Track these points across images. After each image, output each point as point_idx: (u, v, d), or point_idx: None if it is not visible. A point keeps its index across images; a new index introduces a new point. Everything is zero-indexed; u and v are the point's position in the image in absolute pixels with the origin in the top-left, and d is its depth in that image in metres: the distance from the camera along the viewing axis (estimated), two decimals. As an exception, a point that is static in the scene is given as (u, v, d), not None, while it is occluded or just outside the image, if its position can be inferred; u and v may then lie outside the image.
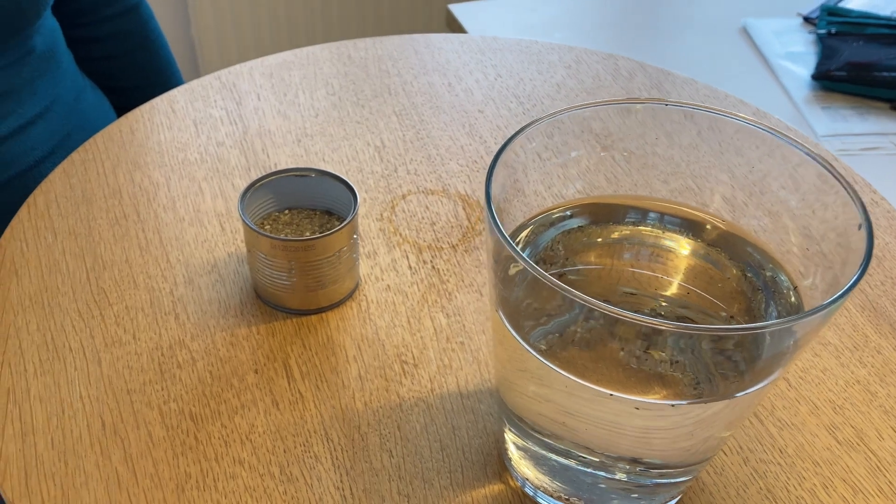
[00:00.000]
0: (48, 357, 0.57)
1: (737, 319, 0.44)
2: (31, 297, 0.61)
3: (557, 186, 0.46)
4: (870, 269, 0.65)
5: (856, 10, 1.31)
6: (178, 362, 0.57)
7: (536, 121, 0.42)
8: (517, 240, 0.45)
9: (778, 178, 0.44)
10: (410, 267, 0.64)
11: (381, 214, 0.68)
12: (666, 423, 0.42)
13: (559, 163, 0.45)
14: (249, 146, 0.74)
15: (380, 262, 0.64)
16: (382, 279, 0.63)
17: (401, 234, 0.67)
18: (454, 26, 1.30)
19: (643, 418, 0.41)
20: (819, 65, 1.22)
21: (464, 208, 0.69)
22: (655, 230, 0.46)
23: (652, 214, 0.46)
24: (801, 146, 0.41)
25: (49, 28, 0.81)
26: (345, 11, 1.99)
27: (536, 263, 0.44)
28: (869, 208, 0.70)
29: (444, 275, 0.64)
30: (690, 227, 0.46)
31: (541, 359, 0.41)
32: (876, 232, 0.68)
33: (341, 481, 0.52)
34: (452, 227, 0.67)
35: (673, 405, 0.41)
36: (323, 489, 0.51)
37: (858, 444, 0.54)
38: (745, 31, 1.32)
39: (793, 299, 0.41)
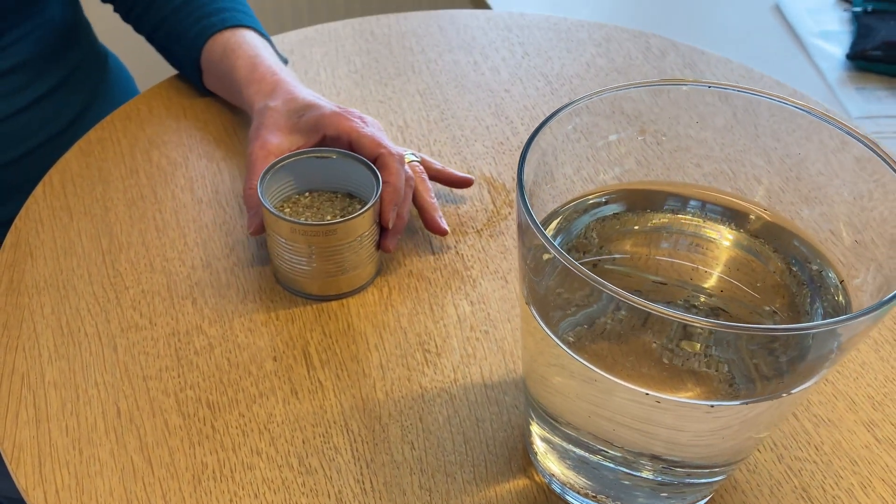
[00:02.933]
0: (63, 342, 0.56)
1: (779, 315, 0.42)
2: (46, 280, 0.60)
3: (590, 171, 0.43)
4: (911, 259, 0.62)
5: (894, -14, 1.27)
6: (195, 349, 0.56)
7: (572, 103, 0.40)
8: (549, 227, 0.43)
9: (820, 163, 0.41)
10: (433, 252, 0.62)
11: (404, 197, 0.66)
12: (698, 422, 0.40)
13: (593, 147, 0.42)
14: (269, 125, 0.72)
15: (402, 247, 0.63)
16: (404, 264, 0.61)
17: (424, 218, 0.65)
18: (478, 0, 1.27)
19: (673, 416, 0.39)
20: (854, 44, 1.18)
21: (489, 191, 0.67)
22: (695, 219, 0.44)
23: (692, 202, 0.44)
24: (849, 130, 0.39)
25: None
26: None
27: (569, 251, 0.43)
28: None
29: (469, 261, 0.62)
30: (733, 216, 0.43)
31: (568, 351, 0.39)
32: (918, 220, 0.65)
33: (361, 474, 0.50)
34: (477, 210, 0.65)
35: (702, 404, 0.39)
36: (343, 482, 0.50)
37: (899, 443, 0.52)
38: (778, 9, 1.28)
39: (840, 298, 0.39)
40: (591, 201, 0.43)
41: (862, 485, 0.50)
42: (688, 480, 0.45)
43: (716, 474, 0.46)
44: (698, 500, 0.48)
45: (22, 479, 0.50)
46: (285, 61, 0.77)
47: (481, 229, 0.64)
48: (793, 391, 0.39)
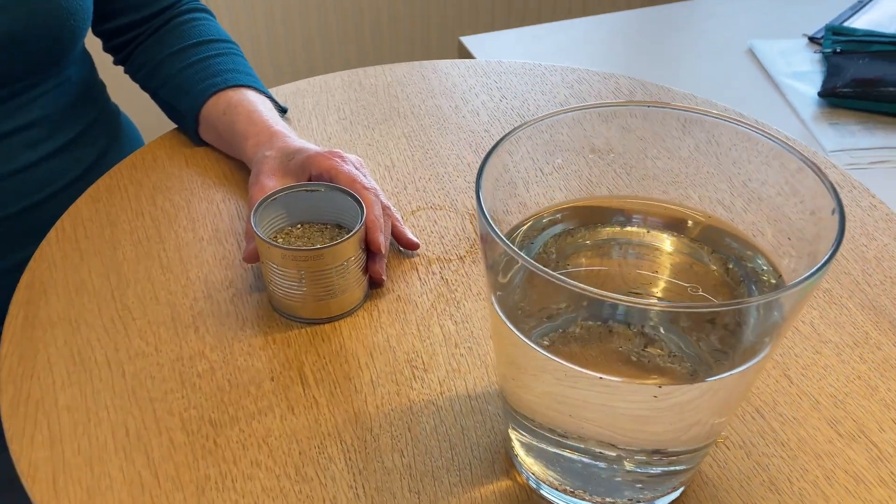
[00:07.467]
0: (75, 370, 0.60)
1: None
2: (59, 315, 0.64)
3: (543, 190, 0.48)
4: (870, 270, 0.66)
5: (861, 28, 1.33)
6: (197, 372, 0.60)
7: (524, 125, 0.45)
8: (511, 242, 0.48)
9: (757, 172, 0.46)
10: (420, 278, 0.67)
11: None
12: (656, 407, 0.43)
13: (549, 167, 0.47)
14: (265, 169, 0.77)
15: (390, 274, 0.67)
16: (393, 290, 0.66)
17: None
18: (465, 57, 1.34)
19: (637, 403, 0.43)
20: (825, 82, 1.24)
21: (471, 222, 0.71)
22: (640, 229, 0.48)
23: (635, 216, 0.48)
24: (777, 140, 0.44)
25: (84, 58, 0.85)
26: (360, 45, 2.04)
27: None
28: (867, 212, 0.72)
29: (453, 284, 0.66)
30: (673, 224, 0.48)
31: (536, 348, 0.43)
32: (875, 234, 0.69)
33: (354, 480, 0.53)
34: (460, 239, 0.70)
35: (661, 387, 0.43)
36: (337, 488, 0.53)
37: (860, 437, 0.55)
38: (752, 53, 1.34)
39: (773, 282, 0.43)
40: (546, 219, 0.48)
41: (826, 476, 0.53)
42: (658, 469, 0.49)
43: (682, 462, 0.49)
44: (669, 492, 0.51)
45: (38, 495, 0.53)
46: (285, 110, 0.83)
47: (464, 256, 0.68)
48: (736, 371, 0.42)
